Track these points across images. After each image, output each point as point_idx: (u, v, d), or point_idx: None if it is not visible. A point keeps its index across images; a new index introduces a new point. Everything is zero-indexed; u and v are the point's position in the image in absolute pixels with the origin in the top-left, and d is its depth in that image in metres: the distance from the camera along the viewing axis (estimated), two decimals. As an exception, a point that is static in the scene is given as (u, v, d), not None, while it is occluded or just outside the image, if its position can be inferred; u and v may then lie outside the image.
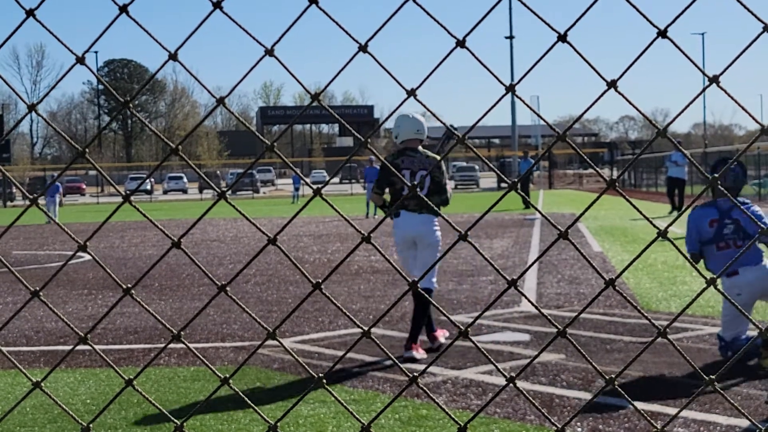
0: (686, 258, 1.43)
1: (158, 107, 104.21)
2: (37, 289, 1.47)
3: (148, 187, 64.39)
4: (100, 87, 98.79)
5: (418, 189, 7.74)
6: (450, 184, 7.79)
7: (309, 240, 20.27)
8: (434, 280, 7.70)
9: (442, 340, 7.90)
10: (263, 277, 13.20)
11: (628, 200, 1.41)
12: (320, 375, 1.42)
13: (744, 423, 5.37)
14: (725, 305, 6.94)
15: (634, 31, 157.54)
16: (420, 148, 7.71)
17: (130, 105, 1.40)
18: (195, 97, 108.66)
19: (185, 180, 73.66)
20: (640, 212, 1.47)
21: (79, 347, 8.30)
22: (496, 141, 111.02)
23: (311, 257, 16.32)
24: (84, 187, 73.16)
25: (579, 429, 5.34)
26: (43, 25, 1.40)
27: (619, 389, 1.39)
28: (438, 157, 7.74)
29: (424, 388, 1.31)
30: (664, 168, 30.50)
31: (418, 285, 7.56)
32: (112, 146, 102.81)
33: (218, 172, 78.02)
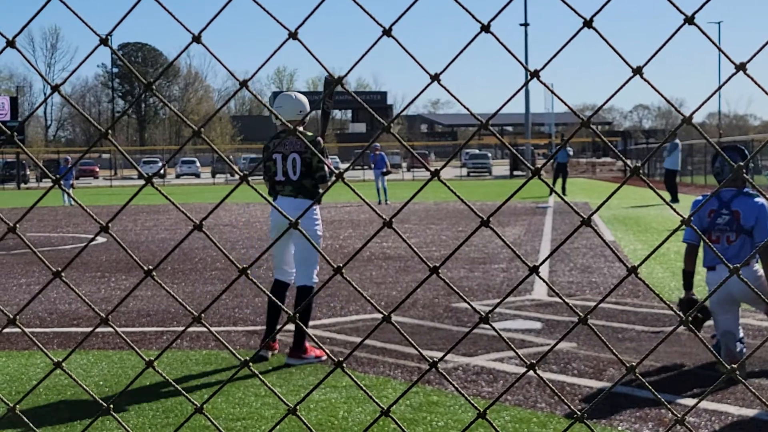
0: (712, 248, 1.42)
1: (172, 91, 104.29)
2: (59, 269, 1.47)
3: (161, 171, 64.51)
4: (115, 70, 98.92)
5: (291, 173, 7.37)
6: (328, 162, 7.04)
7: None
8: (315, 279, 7.12)
9: (312, 355, 6.95)
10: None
11: (653, 189, 1.40)
12: (340, 360, 1.42)
13: (753, 413, 5.36)
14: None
15: (647, 19, 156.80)
16: (300, 128, 7.11)
17: (153, 87, 1.40)
18: (208, 82, 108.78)
19: (198, 164, 73.72)
20: (666, 201, 1.46)
21: (90, 329, 8.33)
22: (509, 128, 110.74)
23: (323, 243, 16.32)
24: (97, 170, 73.30)
25: (589, 416, 5.34)
26: (68, 6, 1.40)
27: (641, 379, 1.39)
28: (313, 137, 7.08)
29: (445, 374, 1.31)
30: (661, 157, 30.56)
31: (296, 283, 7.01)
32: (126, 130, 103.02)
33: (231, 156, 78.06)
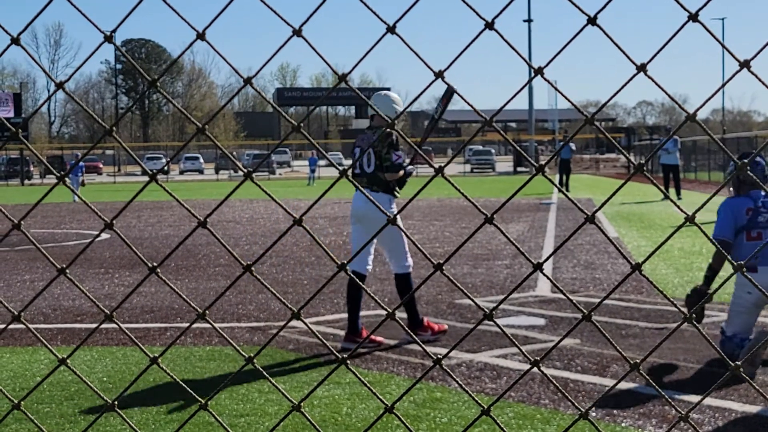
0: (714, 244, 1.42)
1: (175, 88, 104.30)
2: (64, 266, 1.47)
3: (165, 167, 64.53)
4: (118, 66, 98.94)
5: (366, 166, 7.78)
6: (396, 157, 7.31)
7: (324, 222, 20.30)
8: (407, 263, 7.39)
9: (428, 333, 7.47)
10: (279, 258, 13.24)
11: (658, 187, 1.40)
12: (344, 356, 1.43)
13: (756, 409, 5.36)
14: (733, 298, 6.56)
15: (650, 14, 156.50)
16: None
17: (157, 84, 1.40)
18: (212, 78, 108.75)
19: (201, 160, 73.75)
20: (671, 199, 1.46)
21: (93, 325, 8.35)
22: (513, 125, 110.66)
23: (327, 239, 16.34)
24: (101, 166, 73.43)
25: (593, 413, 5.34)
26: (73, 5, 1.40)
27: (645, 376, 1.39)
28: (388, 132, 7.39)
29: (449, 371, 1.31)
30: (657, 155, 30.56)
31: (393, 272, 7.21)
32: (129, 126, 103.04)
33: (234, 152, 78.09)
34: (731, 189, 6.86)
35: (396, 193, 7.36)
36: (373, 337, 7.37)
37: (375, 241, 7.39)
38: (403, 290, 7.43)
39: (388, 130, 7.34)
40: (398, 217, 7.33)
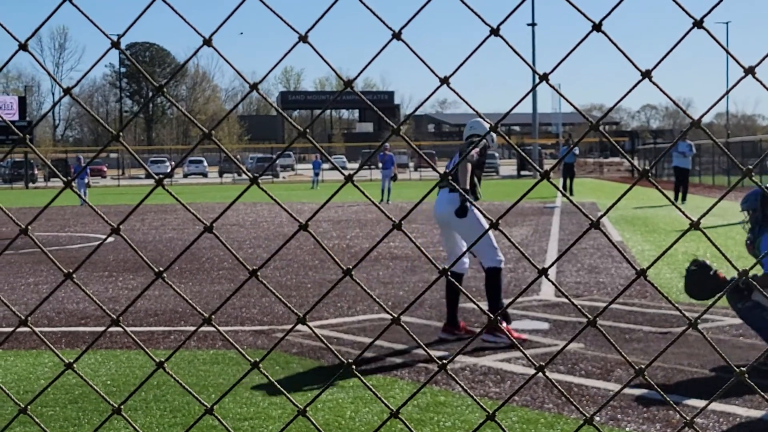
0: (720, 251, 1.43)
1: (179, 91, 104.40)
2: (71, 271, 1.48)
3: (168, 170, 64.62)
4: (122, 70, 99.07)
5: (448, 168, 8.07)
6: (471, 156, 7.63)
7: (328, 225, 20.31)
8: (499, 257, 7.63)
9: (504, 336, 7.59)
10: (282, 261, 13.24)
11: (664, 194, 1.40)
12: (349, 361, 1.43)
13: (761, 414, 5.35)
14: None
15: (653, 14, 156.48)
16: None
17: (164, 90, 1.41)
18: (216, 81, 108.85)
19: (205, 164, 73.86)
20: (675, 205, 1.46)
21: (97, 329, 8.36)
22: (517, 128, 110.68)
23: (330, 243, 16.34)
24: (105, 169, 73.58)
25: (597, 418, 5.34)
26: (80, 10, 1.41)
27: (650, 382, 1.39)
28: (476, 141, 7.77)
29: (453, 375, 1.32)
30: (669, 158, 30.61)
31: (484, 266, 7.43)
32: (133, 129, 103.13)
33: (238, 156, 78.14)
34: (748, 228, 6.61)
35: (478, 194, 7.63)
36: (468, 328, 7.78)
37: (463, 240, 7.63)
38: (492, 284, 7.59)
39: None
40: (478, 214, 7.53)
